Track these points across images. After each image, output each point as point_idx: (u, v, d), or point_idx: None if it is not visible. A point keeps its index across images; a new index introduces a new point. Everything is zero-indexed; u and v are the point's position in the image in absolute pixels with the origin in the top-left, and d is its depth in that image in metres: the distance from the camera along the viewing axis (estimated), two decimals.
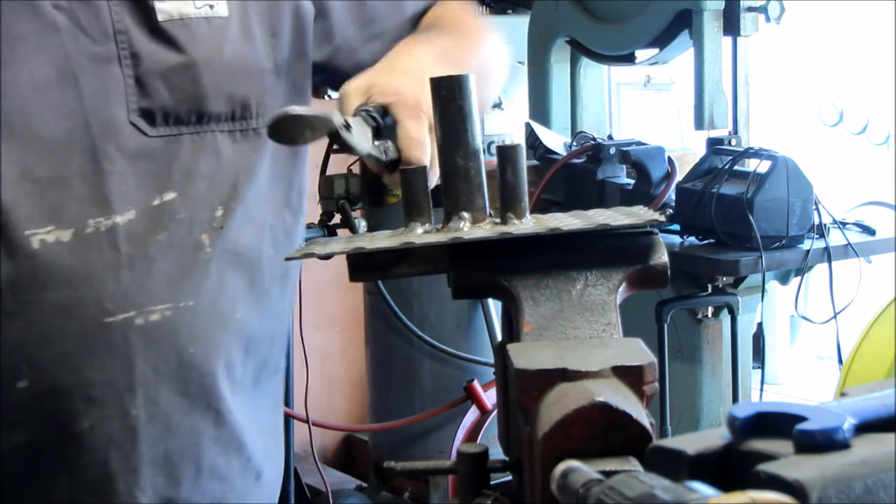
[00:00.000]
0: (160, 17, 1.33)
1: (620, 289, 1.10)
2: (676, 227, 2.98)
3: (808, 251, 2.91)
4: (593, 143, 3.26)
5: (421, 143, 1.27)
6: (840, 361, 3.02)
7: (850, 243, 3.00)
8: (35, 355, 1.28)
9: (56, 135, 1.27)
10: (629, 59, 3.47)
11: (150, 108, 1.32)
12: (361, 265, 1.15)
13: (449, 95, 1.17)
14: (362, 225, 3.95)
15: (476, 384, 3.72)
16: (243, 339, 1.42)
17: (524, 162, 1.18)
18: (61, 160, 1.27)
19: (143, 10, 1.33)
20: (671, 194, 3.03)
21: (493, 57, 1.55)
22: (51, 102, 1.27)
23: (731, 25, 3.10)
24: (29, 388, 1.28)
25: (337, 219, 4.23)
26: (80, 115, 1.28)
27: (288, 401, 3.79)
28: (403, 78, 1.31)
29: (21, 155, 1.25)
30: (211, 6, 1.37)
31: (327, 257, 1.15)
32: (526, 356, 0.96)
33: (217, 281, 1.38)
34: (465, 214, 1.16)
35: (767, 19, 3.10)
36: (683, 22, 3.15)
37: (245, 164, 1.39)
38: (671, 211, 2.94)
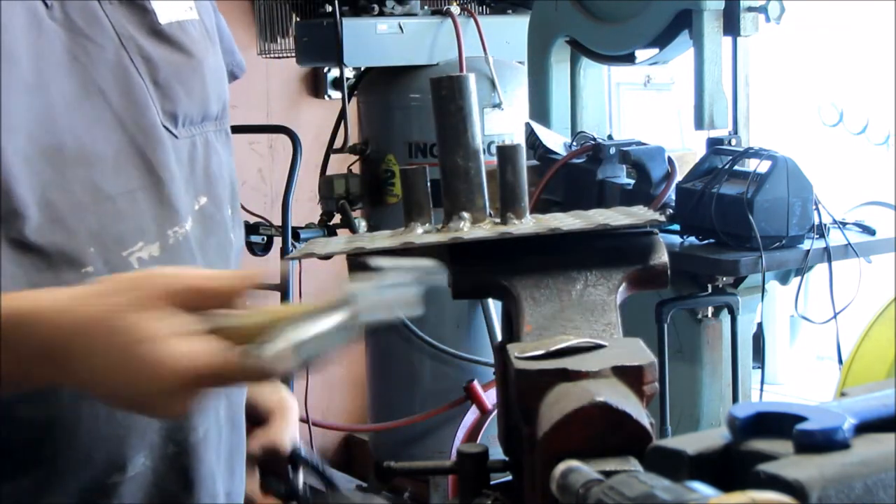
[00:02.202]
0: (162, 21, 1.31)
1: (620, 289, 1.10)
2: (676, 227, 2.98)
3: (808, 251, 2.91)
4: (593, 143, 3.25)
5: None
6: (840, 361, 3.02)
7: (850, 243, 3.00)
8: None
9: (108, 150, 1.23)
10: (629, 59, 3.47)
11: (173, 112, 1.30)
12: (361, 265, 1.15)
13: (449, 95, 1.17)
14: (362, 225, 3.99)
15: (476, 384, 3.72)
16: None
17: (524, 162, 1.18)
18: (124, 174, 1.24)
19: (141, 12, 1.30)
20: (671, 194, 3.03)
21: None
22: (90, 118, 1.23)
23: (731, 25, 3.10)
24: None
25: (337, 219, 4.27)
26: (121, 127, 1.25)
27: None
28: None
29: (88, 175, 1.21)
30: (190, 8, 1.36)
31: (327, 257, 1.15)
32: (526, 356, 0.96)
33: None
34: (465, 214, 1.17)
35: (767, 19, 3.10)
36: (683, 22, 3.15)
37: (231, 163, 1.40)
38: (671, 211, 2.94)
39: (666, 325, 2.84)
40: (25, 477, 1.23)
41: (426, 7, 4.20)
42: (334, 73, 4.71)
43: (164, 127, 1.28)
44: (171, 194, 1.27)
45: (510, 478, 1.05)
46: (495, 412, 1.48)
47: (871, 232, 3.12)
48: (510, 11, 4.30)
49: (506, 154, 1.17)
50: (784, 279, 3.06)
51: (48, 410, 1.22)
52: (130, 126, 1.25)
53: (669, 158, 3.12)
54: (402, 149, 3.97)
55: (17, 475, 1.23)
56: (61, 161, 1.19)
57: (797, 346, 5.09)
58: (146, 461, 1.28)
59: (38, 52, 1.21)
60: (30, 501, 1.24)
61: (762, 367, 3.36)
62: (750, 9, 3.09)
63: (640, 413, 0.87)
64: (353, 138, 4.05)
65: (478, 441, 3.51)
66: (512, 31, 4.04)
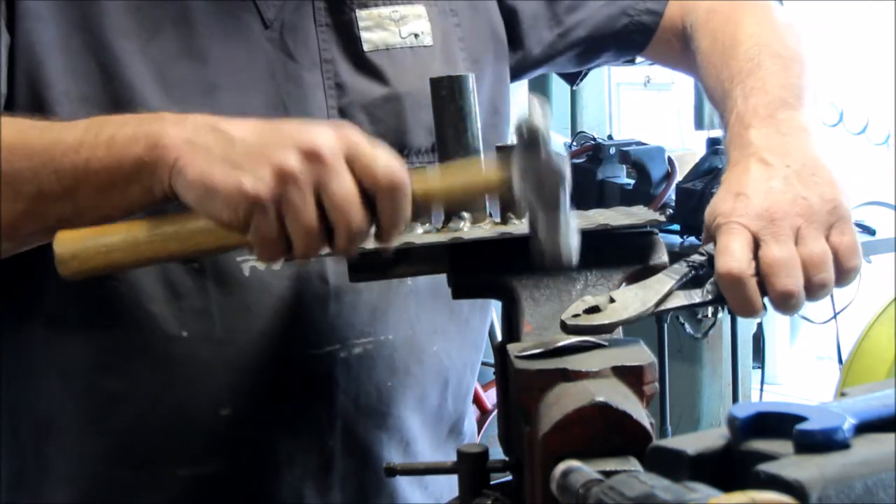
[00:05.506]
0: (366, 48, 1.31)
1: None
2: (676, 227, 2.98)
3: None
4: (593, 143, 3.26)
5: (727, 252, 1.05)
6: (840, 361, 3.02)
7: None
8: (240, 383, 1.26)
9: None
10: (629, 58, 3.46)
11: None
12: (361, 265, 1.15)
13: (449, 95, 1.17)
14: None
15: (476, 384, 3.72)
16: (440, 371, 1.40)
17: None
18: None
19: (349, 38, 1.30)
20: (671, 194, 3.03)
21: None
22: None
23: None
24: (231, 415, 1.26)
25: None
26: None
27: None
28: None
29: None
30: (416, 35, 1.34)
31: (327, 257, 1.15)
32: (526, 356, 0.96)
33: (415, 314, 1.35)
34: (465, 214, 1.16)
35: None
36: None
37: None
38: (671, 211, 2.94)
39: (666, 325, 2.84)
40: (90, 445, 1.27)
41: None
42: None
43: None
44: None
45: (510, 478, 1.05)
46: (495, 412, 1.47)
47: (871, 232, 3.12)
48: None
49: (506, 154, 1.17)
50: None
51: (118, 382, 1.25)
52: None
53: (669, 158, 3.12)
54: None
55: (86, 443, 1.27)
56: None
57: (797, 346, 5.10)
58: (215, 467, 1.27)
59: (239, 64, 1.24)
60: (83, 469, 1.27)
61: (762, 367, 3.37)
62: None
63: (640, 413, 0.87)
64: None
65: (478, 441, 3.51)
66: None
